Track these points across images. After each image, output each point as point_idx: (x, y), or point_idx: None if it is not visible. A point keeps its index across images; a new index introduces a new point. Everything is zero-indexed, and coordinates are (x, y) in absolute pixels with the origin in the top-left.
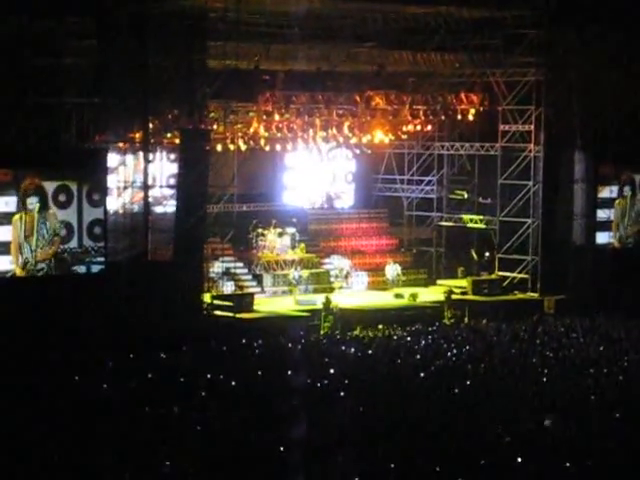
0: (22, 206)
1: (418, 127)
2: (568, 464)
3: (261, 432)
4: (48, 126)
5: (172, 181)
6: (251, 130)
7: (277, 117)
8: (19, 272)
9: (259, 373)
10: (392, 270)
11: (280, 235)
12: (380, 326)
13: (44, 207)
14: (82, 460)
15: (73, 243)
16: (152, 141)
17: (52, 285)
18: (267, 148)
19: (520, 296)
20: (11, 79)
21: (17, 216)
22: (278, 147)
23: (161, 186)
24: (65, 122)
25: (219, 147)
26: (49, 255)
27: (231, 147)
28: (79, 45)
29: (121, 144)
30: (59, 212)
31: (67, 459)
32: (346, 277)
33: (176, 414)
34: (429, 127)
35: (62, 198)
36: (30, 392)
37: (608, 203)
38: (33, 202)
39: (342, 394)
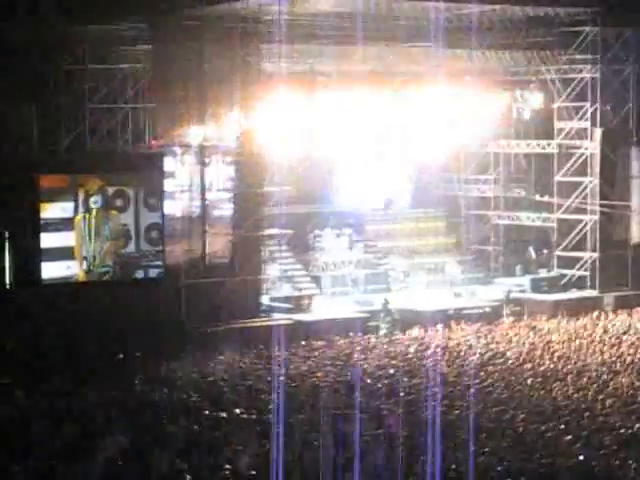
0: (85, 206)
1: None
2: None
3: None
4: (105, 131)
5: (229, 184)
6: (308, 132)
7: (332, 118)
8: (82, 276)
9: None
10: (450, 269)
11: (337, 236)
12: (439, 326)
13: (106, 207)
14: None
15: (131, 247)
16: (208, 144)
17: (112, 290)
18: (324, 150)
19: (579, 293)
20: (68, 85)
21: (80, 216)
22: (335, 149)
23: (218, 189)
24: (122, 127)
25: (275, 149)
26: (111, 253)
27: (287, 149)
28: (135, 50)
29: (177, 148)
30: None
31: None
32: (404, 277)
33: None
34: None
35: (119, 203)
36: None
37: None
38: (97, 201)
39: (402, 394)
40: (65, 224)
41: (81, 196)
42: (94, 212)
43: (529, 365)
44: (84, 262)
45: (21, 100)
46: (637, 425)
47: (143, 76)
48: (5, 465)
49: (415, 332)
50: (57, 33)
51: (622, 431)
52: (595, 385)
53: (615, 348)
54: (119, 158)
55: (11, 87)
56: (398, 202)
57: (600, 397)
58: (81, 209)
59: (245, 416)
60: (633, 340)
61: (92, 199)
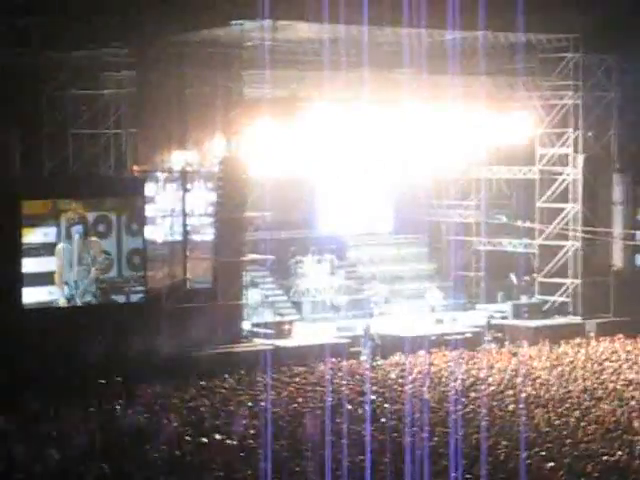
0: (66, 235)
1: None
2: None
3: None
4: (87, 157)
5: (210, 209)
6: (289, 157)
7: (314, 144)
8: (62, 302)
9: (299, 400)
10: (432, 295)
11: (319, 262)
12: (421, 352)
13: (87, 235)
14: None
15: (113, 273)
16: (190, 170)
17: (93, 314)
18: (304, 175)
19: (561, 320)
20: (50, 110)
21: (60, 246)
22: (315, 174)
23: (200, 215)
24: (104, 152)
25: (256, 174)
26: (92, 281)
27: (268, 174)
28: (117, 76)
29: (159, 173)
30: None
31: None
32: (386, 303)
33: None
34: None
35: (101, 228)
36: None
37: None
38: (78, 231)
39: (383, 420)
40: (47, 249)
41: (63, 222)
42: (75, 242)
43: (511, 392)
44: (64, 288)
45: (4, 125)
46: (619, 452)
47: (125, 101)
48: None
49: (397, 358)
50: (40, 59)
51: (604, 458)
52: (577, 412)
53: (597, 375)
54: (101, 183)
55: None
56: (380, 226)
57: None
58: (64, 238)
59: (228, 442)
60: (615, 367)
61: (73, 229)
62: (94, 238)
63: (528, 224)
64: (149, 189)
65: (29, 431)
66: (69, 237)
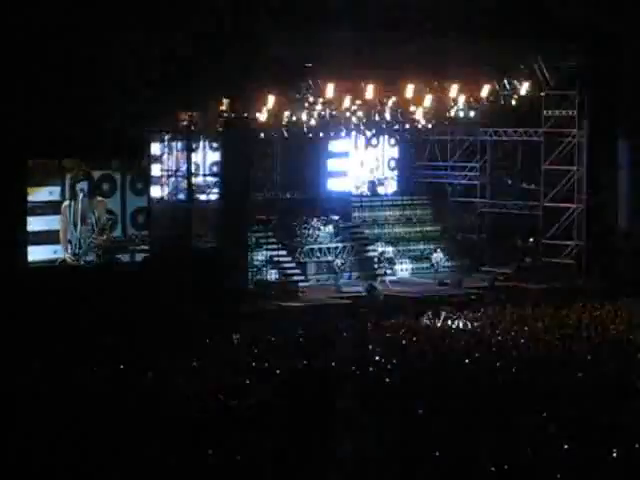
0: (71, 193)
1: (461, 114)
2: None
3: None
4: (92, 115)
5: (215, 169)
6: (294, 118)
7: (319, 105)
8: (69, 260)
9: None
10: (436, 257)
11: (324, 223)
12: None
13: (92, 194)
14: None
15: (117, 232)
16: (195, 129)
17: (97, 274)
18: (310, 136)
19: (565, 282)
20: (55, 69)
21: (66, 203)
22: (321, 134)
23: (204, 174)
24: (109, 112)
25: (262, 135)
26: (100, 243)
27: (274, 135)
28: (124, 35)
29: (165, 133)
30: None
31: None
32: (390, 264)
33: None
34: (472, 113)
35: (105, 187)
36: (79, 382)
37: None
38: (83, 188)
39: (387, 380)
40: (52, 207)
41: (70, 181)
42: (80, 200)
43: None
44: (69, 246)
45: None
46: None
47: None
48: None
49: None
50: None
51: None
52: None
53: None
54: (106, 142)
55: None
56: (384, 187)
57: None
58: (69, 195)
59: None
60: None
61: (78, 186)
62: (99, 198)
63: (533, 186)
64: (154, 148)
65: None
66: (75, 195)
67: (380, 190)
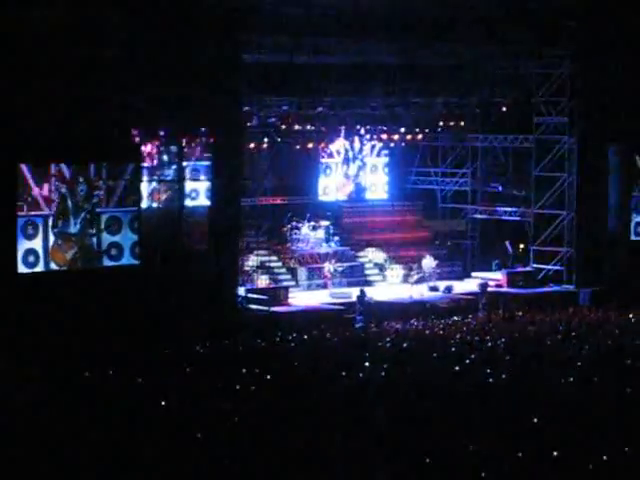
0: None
1: (451, 122)
2: None
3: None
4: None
5: (206, 175)
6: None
7: (310, 111)
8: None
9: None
10: (427, 263)
11: (314, 228)
12: (415, 319)
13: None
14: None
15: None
16: (186, 135)
17: (87, 278)
18: (301, 141)
19: (555, 288)
20: (51, 73)
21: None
22: (312, 141)
23: (195, 179)
24: (100, 117)
25: (253, 141)
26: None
27: (265, 140)
28: (115, 38)
29: (155, 138)
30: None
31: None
32: (381, 270)
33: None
34: (462, 123)
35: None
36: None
37: None
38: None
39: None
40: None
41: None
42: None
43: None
44: None
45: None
46: None
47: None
48: None
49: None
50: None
51: None
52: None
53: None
54: (98, 148)
55: None
56: (373, 194)
57: None
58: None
59: None
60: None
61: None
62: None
63: (524, 193)
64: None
65: None
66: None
67: (369, 195)
